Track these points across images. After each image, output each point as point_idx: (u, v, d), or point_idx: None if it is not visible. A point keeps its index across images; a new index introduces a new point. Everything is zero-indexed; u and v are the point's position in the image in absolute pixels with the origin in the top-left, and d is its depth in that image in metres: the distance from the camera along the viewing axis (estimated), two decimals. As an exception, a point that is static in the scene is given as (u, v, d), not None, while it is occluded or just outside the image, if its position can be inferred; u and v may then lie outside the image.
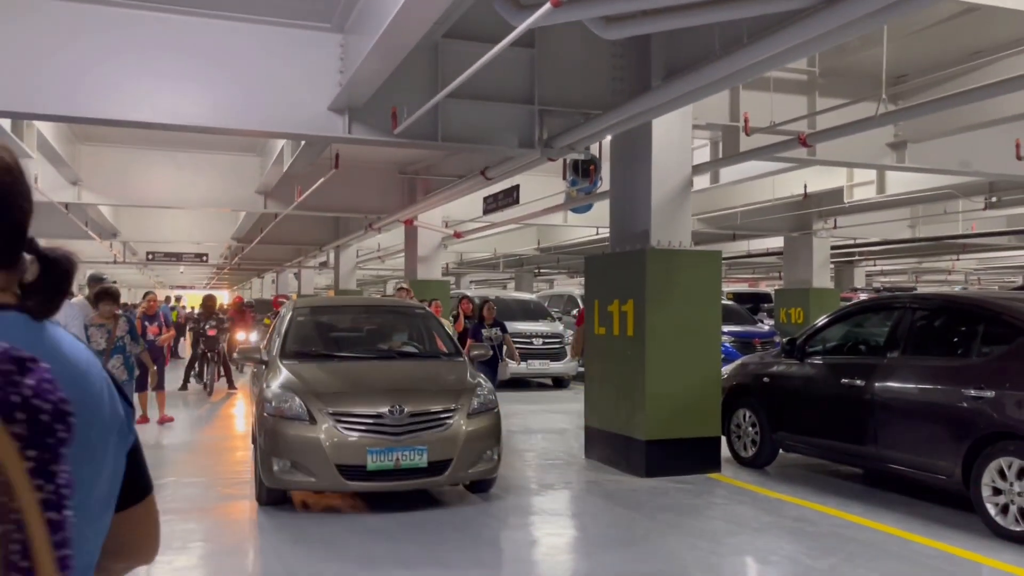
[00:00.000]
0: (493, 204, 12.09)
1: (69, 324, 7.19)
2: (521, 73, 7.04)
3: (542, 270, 31.11)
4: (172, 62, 6.23)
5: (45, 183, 11.26)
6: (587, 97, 7.28)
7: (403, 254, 22.27)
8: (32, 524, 0.69)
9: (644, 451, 6.98)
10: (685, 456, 7.08)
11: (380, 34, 5.24)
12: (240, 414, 11.58)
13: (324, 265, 25.41)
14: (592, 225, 16.03)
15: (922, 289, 26.96)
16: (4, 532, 0.67)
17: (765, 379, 7.30)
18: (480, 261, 27.05)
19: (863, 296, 16.35)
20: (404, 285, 12.10)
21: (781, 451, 7.29)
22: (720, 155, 8.18)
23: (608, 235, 18.45)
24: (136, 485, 1.09)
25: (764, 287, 28.83)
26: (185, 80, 6.28)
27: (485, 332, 9.52)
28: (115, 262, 24.37)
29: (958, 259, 22.88)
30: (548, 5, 3.63)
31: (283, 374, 6.20)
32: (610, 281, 7.60)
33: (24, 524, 0.69)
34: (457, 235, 14.94)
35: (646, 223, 7.27)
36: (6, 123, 7.89)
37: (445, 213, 14.82)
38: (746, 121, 7.26)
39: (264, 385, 6.19)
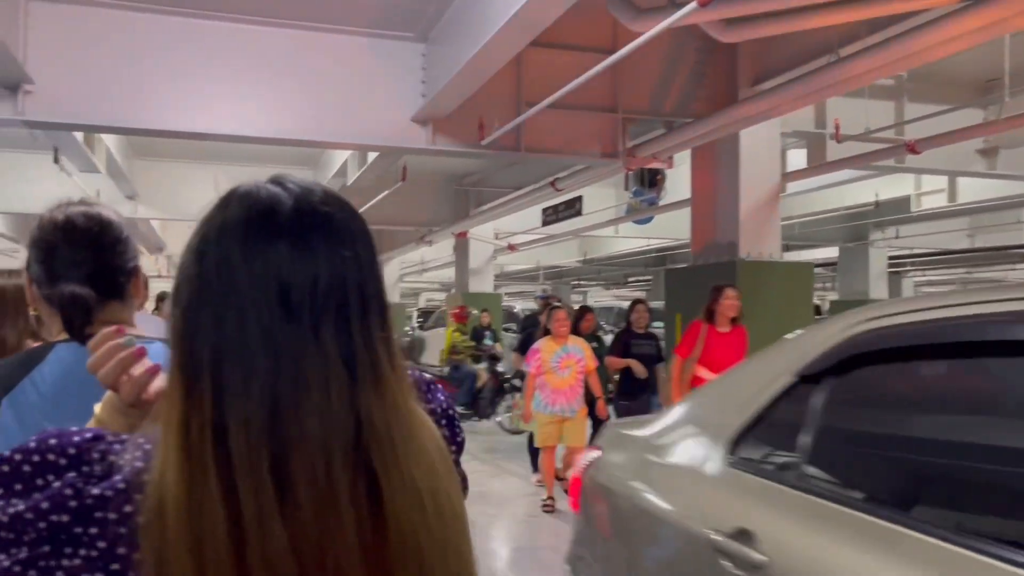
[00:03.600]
0: (553, 215, 11.88)
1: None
2: (604, 82, 6.84)
3: (581, 282, 30.86)
4: (250, 74, 6.11)
5: (106, 198, 11.23)
6: (672, 106, 7.07)
7: (445, 266, 22.25)
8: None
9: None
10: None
11: (476, 50, 5.07)
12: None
13: (365, 278, 25.31)
14: (644, 237, 15.79)
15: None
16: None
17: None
18: (519, 273, 26.87)
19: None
20: (461, 304, 12.03)
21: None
22: (807, 164, 7.91)
23: (664, 246, 18.04)
24: None
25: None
26: (263, 93, 6.15)
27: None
28: (159, 276, 24.50)
29: (1013, 269, 22.30)
30: (694, 4, 3.42)
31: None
32: (694, 295, 7.34)
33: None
34: (512, 248, 14.75)
35: (734, 234, 7.03)
36: (78, 135, 7.83)
37: (496, 225, 14.66)
38: (837, 128, 7.00)
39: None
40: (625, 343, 7.25)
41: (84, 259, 1.31)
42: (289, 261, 0.72)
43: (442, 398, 0.95)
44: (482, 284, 14.94)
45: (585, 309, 8.31)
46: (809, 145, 7.88)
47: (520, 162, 11.53)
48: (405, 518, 0.71)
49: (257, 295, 0.71)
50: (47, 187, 11.21)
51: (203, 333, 0.71)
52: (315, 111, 6.25)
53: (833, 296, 20.58)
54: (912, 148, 6.32)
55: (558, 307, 6.88)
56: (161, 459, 0.69)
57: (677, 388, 6.08)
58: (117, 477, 0.70)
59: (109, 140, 9.27)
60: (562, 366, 6.55)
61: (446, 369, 11.61)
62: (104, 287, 1.32)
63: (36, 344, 3.72)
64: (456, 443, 0.94)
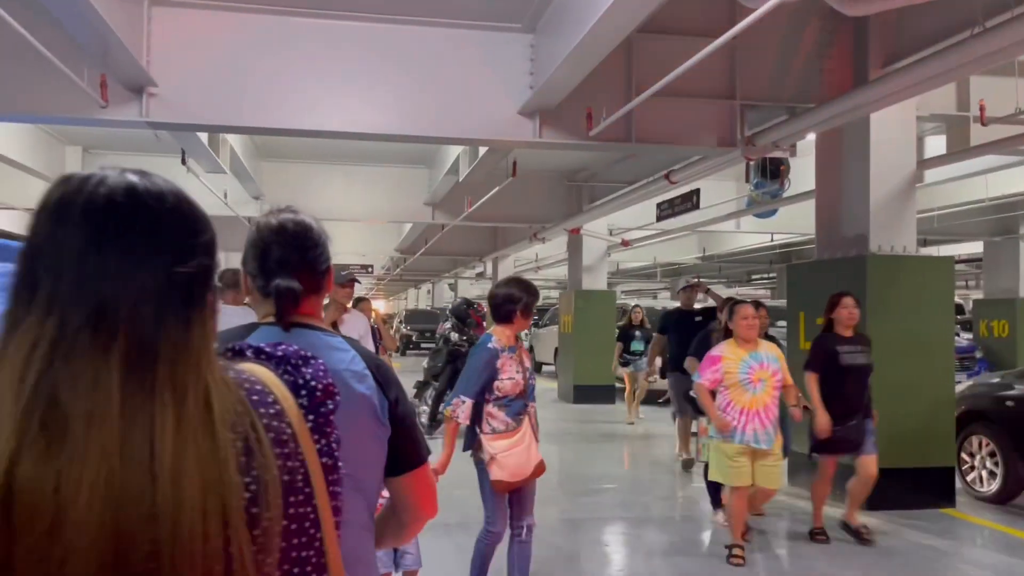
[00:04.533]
0: (668, 210, 11.51)
1: None
2: (719, 66, 6.50)
3: (700, 279, 30.04)
4: (361, 72, 6.16)
5: (232, 198, 11.73)
6: (793, 90, 6.65)
7: (559, 264, 22.11)
8: (311, 462, 0.92)
9: (866, 481, 6.22)
10: (914, 488, 6.27)
11: (581, 37, 4.91)
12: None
13: (481, 276, 25.55)
14: (767, 231, 15.12)
15: None
16: (292, 467, 0.90)
17: (1009, 403, 6.38)
18: (636, 271, 26.41)
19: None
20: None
21: (1031, 487, 6.30)
22: (946, 149, 7.29)
23: (790, 241, 17.31)
24: (410, 457, 1.52)
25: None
26: (373, 88, 6.19)
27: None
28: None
29: None
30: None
31: None
32: (819, 292, 6.87)
33: (306, 462, 0.92)
34: (625, 243, 14.45)
35: (863, 227, 6.53)
36: (203, 136, 8.16)
37: (609, 221, 14.39)
38: (982, 110, 6.38)
39: None
40: (829, 352, 5.39)
41: (291, 258, 1.55)
42: (87, 242, 0.79)
43: (310, 372, 1.03)
44: (595, 282, 14.70)
45: (758, 304, 6.05)
46: (949, 129, 7.26)
47: (633, 155, 11.25)
48: (77, 473, 0.74)
49: (55, 266, 0.78)
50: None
51: (21, 284, 0.80)
52: (424, 106, 6.24)
53: (977, 295, 19.11)
54: (1071, 128, 5.67)
55: (742, 302, 5.26)
56: None
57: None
58: None
59: (234, 142, 9.63)
60: (753, 379, 4.93)
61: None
62: (306, 282, 1.55)
63: None
64: (314, 412, 1.00)
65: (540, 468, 3.92)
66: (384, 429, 1.45)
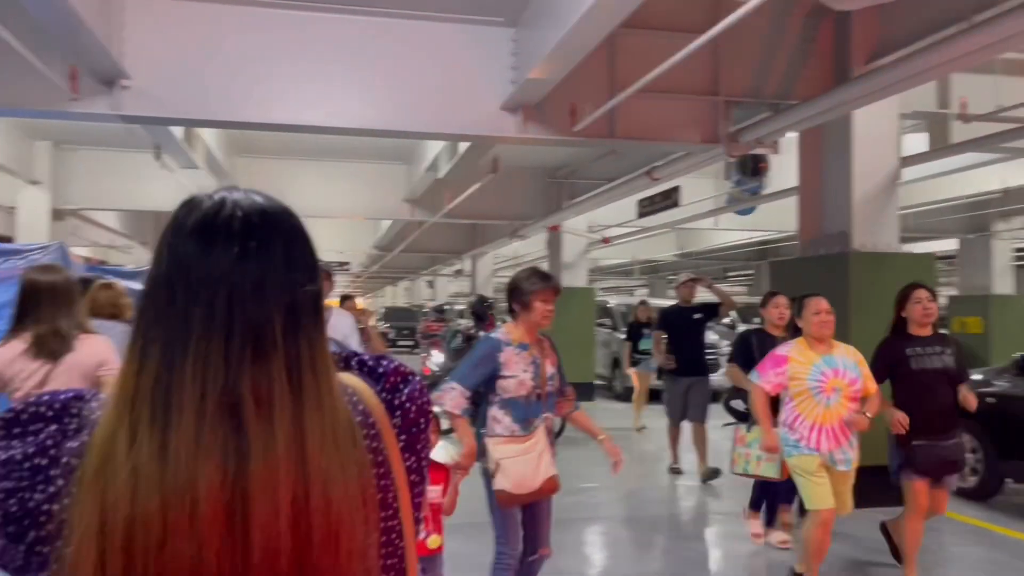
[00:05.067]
0: (649, 207, 11.49)
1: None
2: (703, 63, 6.47)
3: (678, 277, 30.13)
4: (341, 65, 6.04)
5: (207, 194, 11.52)
6: (776, 87, 6.62)
7: (538, 261, 22.04)
8: (399, 479, 0.97)
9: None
10: (892, 485, 6.26)
11: (566, 32, 4.83)
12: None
13: (459, 273, 25.44)
14: (745, 229, 15.16)
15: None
16: (385, 485, 0.95)
17: (990, 399, 6.40)
18: (613, 268, 26.44)
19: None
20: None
21: (1010, 482, 6.37)
22: (928, 146, 7.30)
23: (767, 239, 17.36)
24: None
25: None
26: (353, 83, 6.08)
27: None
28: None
29: None
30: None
31: None
32: (802, 289, 6.85)
33: (391, 472, 0.96)
34: (606, 241, 14.42)
35: (846, 224, 6.53)
36: (178, 131, 7.99)
37: (589, 218, 14.35)
38: (963, 107, 6.41)
39: None
40: (899, 353, 4.42)
41: None
42: (192, 252, 0.85)
43: (407, 392, 1.03)
44: (575, 279, 14.65)
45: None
46: (931, 127, 7.28)
47: (613, 152, 11.21)
48: (273, 464, 0.81)
49: (182, 284, 0.84)
50: (152, 185, 11.62)
51: (155, 318, 0.85)
52: (405, 101, 6.13)
53: (951, 291, 19.33)
54: (1056, 125, 5.70)
55: (811, 294, 4.36)
56: (103, 412, 0.85)
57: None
58: (85, 431, 0.86)
59: (208, 137, 9.46)
60: (826, 387, 4.08)
61: None
62: None
63: (83, 335, 3.78)
64: (407, 432, 1.02)
65: (550, 485, 3.49)
66: None
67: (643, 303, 11.19)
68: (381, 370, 1.03)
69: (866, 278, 6.34)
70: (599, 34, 4.96)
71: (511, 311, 3.59)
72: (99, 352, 3.39)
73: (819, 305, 4.19)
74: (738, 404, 5.43)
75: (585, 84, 6.15)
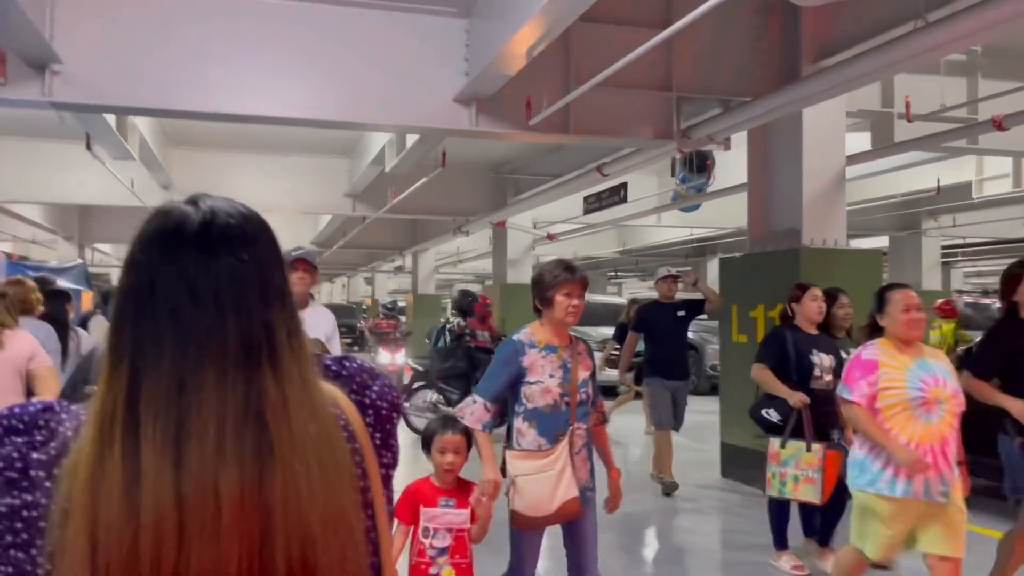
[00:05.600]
0: (596, 203, 11.48)
1: None
2: (656, 58, 6.44)
3: (617, 274, 30.40)
4: (286, 54, 5.82)
5: (140, 187, 11.08)
6: (727, 83, 6.65)
7: (481, 258, 21.94)
8: (374, 479, 0.98)
9: (799, 472, 6.29)
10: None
11: (526, 23, 4.71)
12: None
13: (400, 269, 25.15)
14: (686, 226, 15.33)
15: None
16: (364, 487, 0.95)
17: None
18: (555, 264, 26.45)
19: (968, 300, 15.31)
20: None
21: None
22: (871, 145, 7.44)
23: (707, 236, 17.58)
24: None
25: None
26: (299, 71, 5.86)
27: None
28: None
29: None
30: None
31: None
32: (752, 284, 6.94)
33: (368, 473, 0.97)
34: (551, 237, 14.39)
35: (796, 220, 6.60)
36: (111, 120, 7.62)
37: (534, 215, 14.30)
38: (907, 106, 6.53)
39: None
40: (1016, 347, 3.82)
41: None
42: (196, 265, 0.85)
43: (376, 390, 1.05)
44: (520, 275, 14.60)
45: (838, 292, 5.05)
46: (874, 126, 7.41)
47: (560, 149, 11.19)
48: (291, 468, 0.83)
49: (169, 295, 0.84)
50: (81, 177, 11.11)
51: (127, 326, 0.86)
52: (353, 91, 5.94)
53: (882, 287, 19.93)
54: (999, 125, 5.84)
55: (898, 287, 3.59)
56: (84, 429, 0.84)
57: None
58: (53, 444, 0.87)
59: (143, 127, 9.07)
60: (929, 398, 3.31)
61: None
62: None
63: (8, 331, 3.86)
64: (380, 430, 1.04)
65: (570, 508, 3.05)
66: None
67: (634, 301, 10.08)
68: (346, 372, 1.04)
69: (816, 274, 6.39)
70: (561, 27, 4.86)
71: (536, 309, 3.24)
72: (27, 347, 3.56)
73: (909, 299, 3.43)
74: (770, 414, 4.62)
75: (540, 78, 6.06)
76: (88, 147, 8.31)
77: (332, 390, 0.97)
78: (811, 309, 4.71)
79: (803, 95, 5.65)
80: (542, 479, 3.01)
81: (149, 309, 0.84)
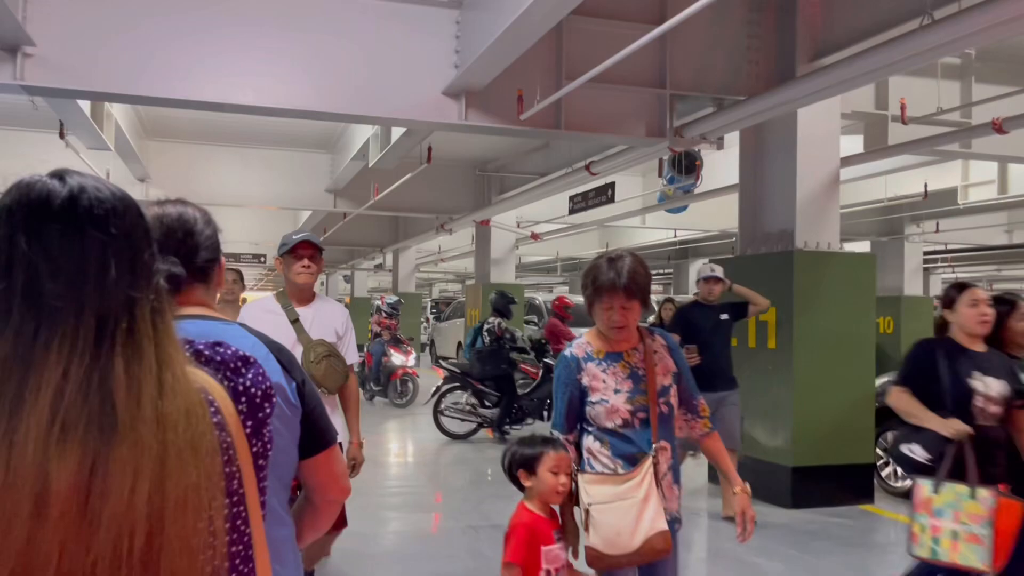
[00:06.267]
0: (582, 203, 11.32)
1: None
2: (650, 54, 6.30)
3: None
4: (269, 41, 5.62)
5: (115, 178, 10.79)
6: (721, 81, 6.52)
7: (462, 256, 21.74)
8: (245, 466, 0.99)
9: (790, 479, 6.19)
10: (836, 485, 6.28)
11: (518, 15, 4.55)
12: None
13: (380, 267, 24.88)
14: (670, 227, 15.24)
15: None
16: (231, 473, 0.96)
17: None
18: (537, 264, 26.35)
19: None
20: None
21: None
22: (863, 148, 7.35)
23: (691, 238, 17.49)
24: (317, 440, 1.44)
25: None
26: (285, 61, 5.67)
27: None
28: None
29: (1047, 267, 21.61)
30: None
31: None
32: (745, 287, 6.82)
33: (241, 468, 0.98)
34: (535, 237, 14.24)
35: (789, 223, 6.49)
36: (86, 107, 7.36)
37: (518, 214, 14.15)
38: (903, 108, 6.45)
39: None
40: None
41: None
42: (59, 239, 0.86)
43: (250, 378, 1.06)
44: (503, 275, 14.45)
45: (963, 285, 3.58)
46: (868, 128, 7.32)
47: (546, 147, 11.03)
48: (136, 445, 0.83)
49: (25, 269, 0.84)
50: (55, 166, 10.78)
51: None
52: (339, 82, 5.76)
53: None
54: (999, 128, 5.75)
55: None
56: None
57: None
58: None
59: (120, 117, 8.81)
60: None
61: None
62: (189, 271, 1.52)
63: None
64: (252, 418, 1.04)
65: (657, 544, 2.46)
66: (296, 410, 1.37)
67: (669, 300, 9.30)
68: (219, 358, 1.05)
69: (809, 277, 6.32)
70: (551, 19, 4.71)
71: (589, 310, 2.67)
72: None
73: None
74: (914, 450, 3.43)
75: (532, 72, 5.90)
76: (62, 136, 8.04)
77: (201, 375, 0.98)
78: (969, 318, 3.43)
79: (798, 95, 5.54)
80: (622, 508, 2.46)
81: (3, 282, 0.84)
